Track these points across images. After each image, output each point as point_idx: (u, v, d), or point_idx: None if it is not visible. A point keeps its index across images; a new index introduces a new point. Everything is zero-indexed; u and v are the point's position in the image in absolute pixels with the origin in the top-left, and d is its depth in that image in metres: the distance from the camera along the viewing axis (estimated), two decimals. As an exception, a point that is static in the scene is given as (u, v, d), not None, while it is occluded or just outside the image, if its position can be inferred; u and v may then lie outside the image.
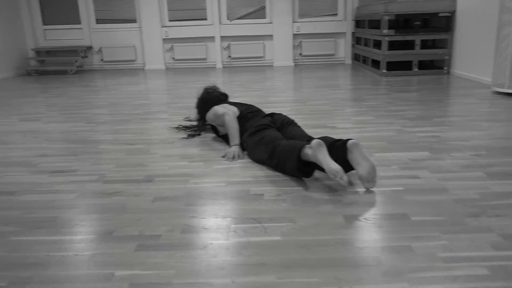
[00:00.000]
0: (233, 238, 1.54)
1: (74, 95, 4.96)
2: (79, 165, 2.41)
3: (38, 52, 7.35)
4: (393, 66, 5.90)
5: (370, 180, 1.91)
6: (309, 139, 2.25)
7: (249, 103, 3.13)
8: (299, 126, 2.50)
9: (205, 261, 1.40)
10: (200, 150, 2.65)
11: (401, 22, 6.45)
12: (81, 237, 1.57)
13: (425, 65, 6.00)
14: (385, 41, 5.48)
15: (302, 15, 7.22)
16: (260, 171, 2.21)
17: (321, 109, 3.78)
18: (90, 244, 1.52)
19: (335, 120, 3.33)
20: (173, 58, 7.36)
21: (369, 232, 1.55)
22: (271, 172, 2.19)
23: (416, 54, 5.52)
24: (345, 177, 1.83)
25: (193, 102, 4.24)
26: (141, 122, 3.48)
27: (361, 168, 1.90)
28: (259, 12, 7.25)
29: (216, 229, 1.60)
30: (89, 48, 7.39)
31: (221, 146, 2.71)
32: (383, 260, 1.38)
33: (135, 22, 7.33)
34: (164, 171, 2.27)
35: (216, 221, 1.67)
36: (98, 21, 7.37)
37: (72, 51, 7.29)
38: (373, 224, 1.61)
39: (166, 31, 7.18)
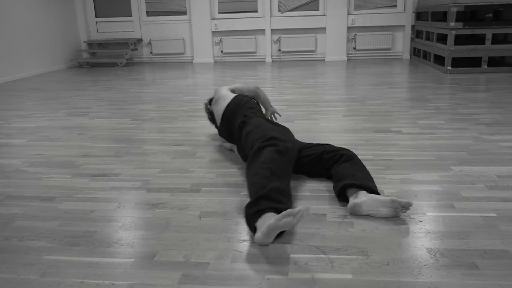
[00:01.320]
0: (293, 272, 1.29)
1: (123, 88, 4.89)
2: (122, 168, 2.24)
3: (90, 44, 7.41)
4: (458, 63, 5.41)
5: (399, 210, 1.60)
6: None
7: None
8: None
9: (260, 302, 1.17)
10: (251, 154, 2.43)
11: (468, 14, 5.91)
12: (120, 261, 1.38)
13: (494, 62, 5.45)
14: (451, 35, 5.00)
15: (358, 6, 6.80)
16: (319, 183, 1.95)
17: (381, 109, 3.44)
18: (129, 271, 1.32)
19: (399, 123, 2.99)
20: (221, 52, 7.18)
21: (463, 276, 1.25)
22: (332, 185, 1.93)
23: (487, 49, 5.00)
24: None
25: (242, 99, 4.02)
26: (188, 119, 3.30)
27: (383, 213, 1.62)
28: (312, 4, 6.90)
29: (273, 258, 1.36)
30: (139, 40, 7.36)
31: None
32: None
33: (185, 15, 7.21)
34: (212, 179, 2.06)
35: (272, 247, 1.43)
36: (149, 13, 7.31)
37: (123, 44, 7.29)
38: (464, 263, 1.31)
39: (215, 24, 7.00)
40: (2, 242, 1.52)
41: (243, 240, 1.47)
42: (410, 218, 1.60)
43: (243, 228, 1.56)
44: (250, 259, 1.36)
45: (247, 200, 1.81)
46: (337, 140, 2.66)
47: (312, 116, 3.41)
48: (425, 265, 1.31)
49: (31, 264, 1.37)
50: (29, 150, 2.69)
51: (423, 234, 1.48)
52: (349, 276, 1.27)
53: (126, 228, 1.60)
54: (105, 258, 1.40)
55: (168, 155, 2.45)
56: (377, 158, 2.29)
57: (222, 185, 1.98)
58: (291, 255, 1.37)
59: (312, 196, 1.82)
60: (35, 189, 2.02)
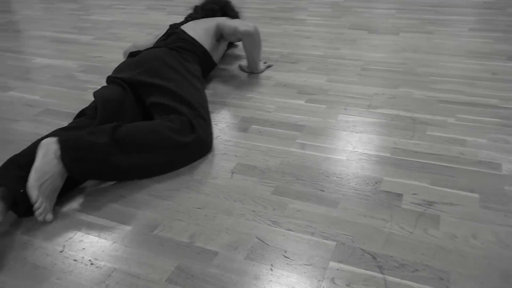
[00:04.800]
0: (327, 294, 0.89)
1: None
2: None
3: None
4: None
5: None
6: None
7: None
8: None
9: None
10: (327, 79, 1.91)
11: None
12: (114, 226, 1.10)
13: None
14: None
15: None
16: (403, 138, 1.42)
17: (528, 25, 2.53)
18: (117, 247, 1.03)
19: (550, 48, 2.14)
20: None
21: None
22: (424, 149, 1.38)
23: None
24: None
25: None
26: (269, 24, 2.77)
27: None
28: None
29: (307, 266, 0.96)
30: None
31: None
32: None
33: None
34: (265, 114, 1.63)
35: (308, 241, 1.02)
36: None
37: None
38: None
39: None
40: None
41: (274, 223, 1.08)
42: (534, 222, 1.04)
43: (278, 200, 1.16)
44: (272, 258, 0.98)
45: (299, 155, 1.37)
46: (449, 68, 1.98)
47: (425, 27, 2.65)
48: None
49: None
50: (91, 50, 2.47)
51: (552, 259, 0.94)
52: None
53: (142, 175, 1.29)
54: (99, 219, 1.12)
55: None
56: (503, 104, 1.63)
57: (275, 124, 1.55)
58: (331, 264, 0.95)
59: (392, 158, 1.32)
60: (75, 103, 1.80)
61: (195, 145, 1.33)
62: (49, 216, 1.11)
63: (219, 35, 1.92)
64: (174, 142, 1.28)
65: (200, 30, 1.84)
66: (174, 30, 1.83)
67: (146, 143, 1.24)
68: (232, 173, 1.29)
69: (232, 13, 2.13)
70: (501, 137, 1.41)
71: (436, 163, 1.29)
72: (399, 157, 1.33)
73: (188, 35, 1.79)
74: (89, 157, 1.16)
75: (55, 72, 2.17)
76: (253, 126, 1.56)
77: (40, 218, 1.09)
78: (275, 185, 1.22)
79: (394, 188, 1.18)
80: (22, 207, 1.10)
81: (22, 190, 1.09)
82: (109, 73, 2.07)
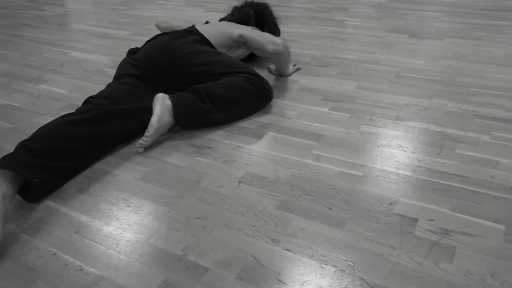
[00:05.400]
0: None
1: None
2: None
3: None
4: None
5: None
6: None
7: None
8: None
9: None
10: (357, 84, 1.81)
11: None
12: (110, 231, 1.08)
13: None
14: None
15: None
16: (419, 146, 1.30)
17: None
18: (110, 253, 1.01)
19: None
20: None
21: None
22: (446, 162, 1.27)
23: None
24: None
25: None
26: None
27: None
28: None
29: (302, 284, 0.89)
30: None
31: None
32: None
33: None
34: (284, 121, 1.57)
35: (306, 265, 0.95)
36: None
37: None
38: None
39: None
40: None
41: (273, 241, 1.02)
42: None
43: (284, 216, 1.10)
44: (264, 279, 0.92)
45: (314, 168, 1.30)
46: (492, 79, 1.82)
47: (473, 32, 2.47)
48: None
49: None
50: (124, 46, 2.50)
51: None
52: None
53: (144, 175, 1.27)
54: (97, 222, 1.11)
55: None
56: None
57: (294, 132, 1.48)
58: (325, 293, 0.88)
59: (413, 180, 1.22)
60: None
61: (265, 96, 1.62)
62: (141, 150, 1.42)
63: (240, 43, 1.86)
64: (252, 95, 1.57)
65: (217, 33, 1.79)
66: (190, 29, 1.79)
67: (234, 100, 1.53)
68: (239, 182, 1.24)
69: (270, 20, 2.08)
70: (540, 161, 1.27)
71: (461, 186, 1.18)
72: (420, 177, 1.22)
73: (201, 34, 1.75)
74: (195, 116, 1.48)
75: (86, 66, 2.21)
76: (270, 132, 1.50)
77: (140, 150, 1.40)
78: (281, 198, 1.16)
79: (410, 211, 1.09)
80: (34, 194, 1.15)
81: (36, 180, 1.13)
82: (137, 70, 2.07)
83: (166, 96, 1.45)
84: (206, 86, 1.51)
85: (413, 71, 1.97)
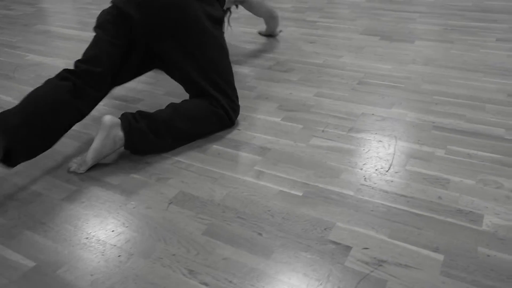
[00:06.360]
0: None
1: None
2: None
3: None
4: None
5: None
6: None
7: None
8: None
9: None
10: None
11: None
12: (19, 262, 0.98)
13: None
14: None
15: None
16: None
17: None
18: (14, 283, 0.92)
19: None
20: None
21: None
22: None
23: None
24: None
25: None
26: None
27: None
28: None
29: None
30: None
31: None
32: None
33: None
34: (232, 132, 1.47)
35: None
36: None
37: None
38: None
39: None
40: None
41: (190, 272, 0.93)
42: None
43: (210, 242, 1.01)
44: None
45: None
46: (458, 86, 1.73)
47: (447, 35, 2.38)
48: None
49: None
50: (84, 49, 2.40)
51: None
52: None
53: (70, 194, 1.18)
54: (10, 252, 1.01)
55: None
56: (510, 135, 1.39)
57: (242, 146, 1.39)
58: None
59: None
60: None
61: (225, 125, 1.50)
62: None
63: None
64: (213, 126, 1.46)
65: None
66: None
67: (194, 133, 1.43)
68: (169, 203, 1.15)
69: None
70: (494, 180, 1.19)
71: (405, 208, 1.09)
72: (363, 197, 1.14)
73: None
74: (150, 149, 1.35)
75: (40, 71, 2.11)
76: (214, 146, 1.41)
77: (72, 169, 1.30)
78: (210, 222, 1.07)
79: (345, 238, 1.00)
80: (15, 158, 1.19)
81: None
82: (90, 75, 1.99)
83: (116, 123, 1.26)
84: (168, 119, 1.34)
85: (377, 77, 1.88)
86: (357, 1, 3.25)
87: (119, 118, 1.29)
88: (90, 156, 1.26)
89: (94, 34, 1.53)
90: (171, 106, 1.40)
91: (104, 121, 1.25)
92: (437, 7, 2.98)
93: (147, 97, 1.79)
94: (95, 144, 1.25)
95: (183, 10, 1.40)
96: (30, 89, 1.90)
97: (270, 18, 2.30)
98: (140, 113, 1.33)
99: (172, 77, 1.52)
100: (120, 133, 1.27)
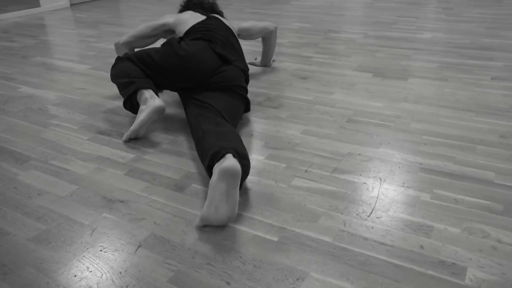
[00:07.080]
0: None
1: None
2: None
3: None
4: None
5: None
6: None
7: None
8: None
9: None
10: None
11: None
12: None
13: None
14: None
15: None
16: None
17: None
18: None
19: None
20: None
21: None
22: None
23: None
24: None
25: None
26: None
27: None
28: None
29: None
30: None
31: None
32: None
33: None
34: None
35: None
36: None
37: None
38: None
39: None
40: None
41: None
42: None
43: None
44: None
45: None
46: (448, 126, 1.69)
47: (441, 72, 2.36)
48: None
49: None
50: (78, 82, 2.41)
51: None
52: None
53: (38, 234, 1.13)
54: None
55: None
56: (500, 180, 1.33)
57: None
58: None
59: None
60: (28, 141, 1.69)
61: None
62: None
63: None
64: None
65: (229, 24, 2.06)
66: (208, 22, 1.92)
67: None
68: (139, 246, 1.10)
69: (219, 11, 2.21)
70: (480, 228, 1.13)
71: (384, 258, 1.03)
72: (341, 244, 1.08)
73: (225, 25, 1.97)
74: None
75: (31, 103, 2.10)
76: (193, 184, 1.37)
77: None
78: (177, 269, 1.02)
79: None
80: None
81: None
82: (83, 107, 1.98)
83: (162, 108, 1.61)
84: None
85: (367, 115, 1.85)
86: (353, 37, 3.26)
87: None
88: (136, 126, 1.61)
89: None
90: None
91: (157, 105, 1.59)
92: (434, 44, 2.98)
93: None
94: (142, 116, 1.60)
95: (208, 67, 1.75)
96: (15, 122, 1.89)
97: (271, 51, 2.48)
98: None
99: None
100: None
